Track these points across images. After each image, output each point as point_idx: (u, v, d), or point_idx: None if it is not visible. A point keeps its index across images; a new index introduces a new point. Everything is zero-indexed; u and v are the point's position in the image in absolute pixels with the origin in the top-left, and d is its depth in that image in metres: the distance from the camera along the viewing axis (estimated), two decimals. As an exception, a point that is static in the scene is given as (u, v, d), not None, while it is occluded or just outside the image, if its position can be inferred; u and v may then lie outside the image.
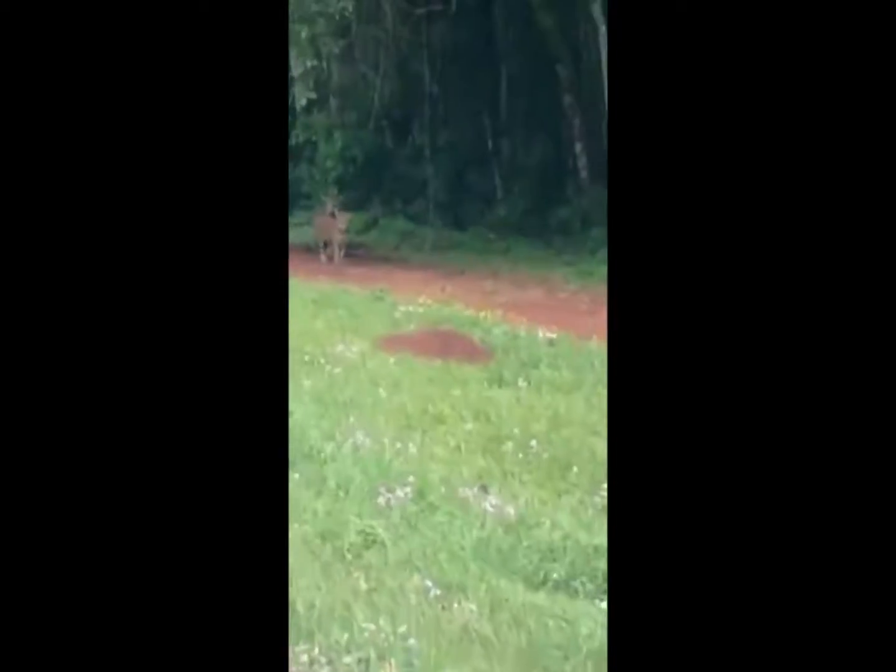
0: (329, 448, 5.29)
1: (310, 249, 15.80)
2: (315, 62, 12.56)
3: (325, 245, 14.20)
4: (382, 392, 6.77)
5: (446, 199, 16.93)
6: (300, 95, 12.95)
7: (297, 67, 12.67)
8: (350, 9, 12.16)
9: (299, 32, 12.35)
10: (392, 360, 7.75)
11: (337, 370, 7.38)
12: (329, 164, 17.90)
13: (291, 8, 12.61)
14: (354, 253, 15.11)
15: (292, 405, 6.18)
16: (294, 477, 4.76)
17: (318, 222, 14.45)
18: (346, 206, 17.96)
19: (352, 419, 5.93)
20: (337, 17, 12.36)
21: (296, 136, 18.52)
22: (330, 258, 14.13)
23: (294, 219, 18.71)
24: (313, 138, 18.33)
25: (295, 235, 17.52)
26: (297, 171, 19.16)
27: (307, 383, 6.87)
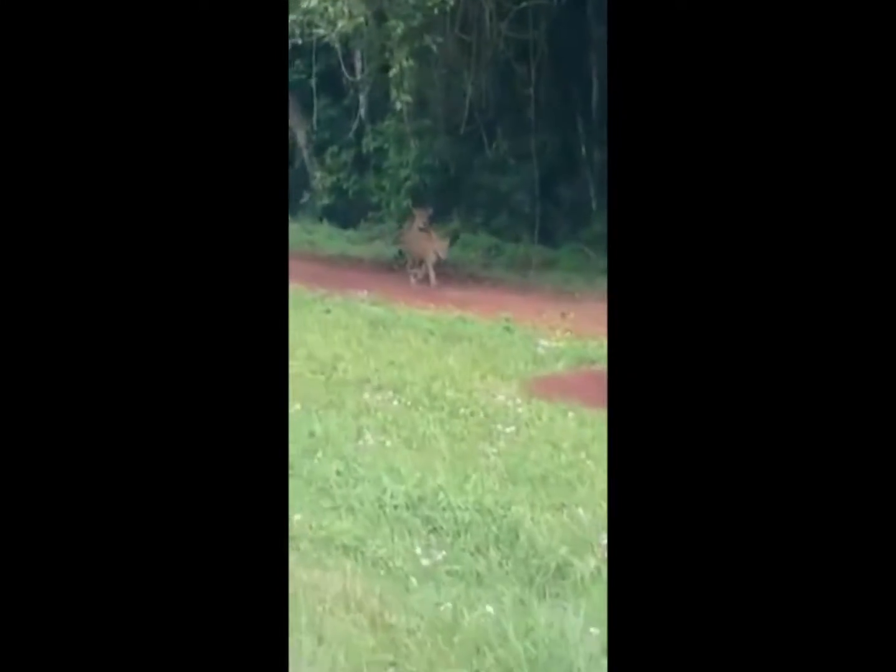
0: (581, 566, 3.96)
1: (385, 266, 14.50)
2: (411, 62, 11.17)
3: (419, 264, 12.71)
4: (585, 464, 5.44)
5: (534, 211, 15.54)
6: (394, 100, 11.54)
7: (392, 67, 11.29)
8: (451, 2, 10.77)
9: (395, 28, 11.00)
10: (570, 414, 6.40)
11: (509, 429, 6.06)
12: (403, 172, 16.60)
13: (387, 2, 11.36)
14: (440, 272, 13.68)
15: (487, 484, 4.90)
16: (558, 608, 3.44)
17: (411, 238, 12.94)
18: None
19: (580, 510, 4.59)
20: (436, 12, 10.99)
21: (366, 144, 17.30)
22: (422, 279, 12.68)
23: (360, 232, 17.46)
24: (385, 146, 17.06)
25: (365, 250, 16.25)
26: (364, 181, 17.91)
27: (490, 451, 5.54)
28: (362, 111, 18.00)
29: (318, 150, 18.51)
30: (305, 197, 18.52)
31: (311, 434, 5.43)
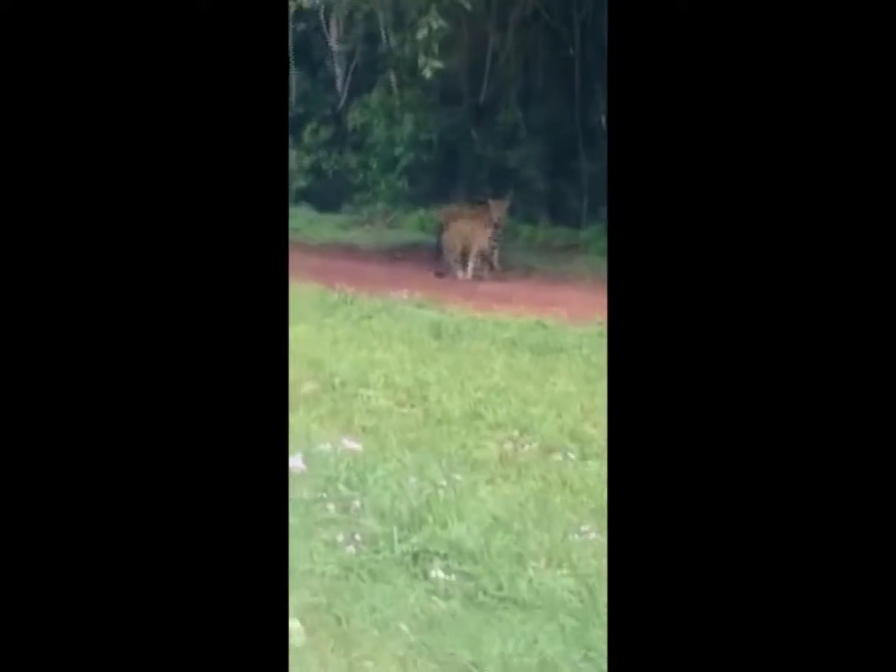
0: None
1: (387, 255, 12.99)
2: (441, 23, 9.60)
3: (461, 257, 11.04)
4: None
5: (545, 189, 14.09)
6: (422, 66, 9.96)
7: (419, 29, 9.71)
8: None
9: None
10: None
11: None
12: (396, 150, 15.05)
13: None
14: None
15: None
16: None
17: (461, 225, 11.06)
18: (414, 201, 15.18)
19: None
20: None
21: (352, 120, 15.71)
22: (470, 271, 10.99)
23: (347, 216, 15.89)
24: (374, 121, 15.49)
25: (359, 237, 14.67)
26: (346, 159, 16.33)
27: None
28: (340, 83, 16.39)
29: (295, 127, 16.83)
30: (279, 179, 16.83)
31: (503, 525, 3.91)
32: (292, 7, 12.72)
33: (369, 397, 6.22)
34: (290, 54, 15.48)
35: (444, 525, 3.83)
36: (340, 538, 3.76)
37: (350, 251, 13.52)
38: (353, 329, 8.16)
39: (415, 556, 3.64)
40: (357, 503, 3.99)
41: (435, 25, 9.59)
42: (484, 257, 10.92)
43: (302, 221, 15.54)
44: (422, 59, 9.83)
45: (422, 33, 9.63)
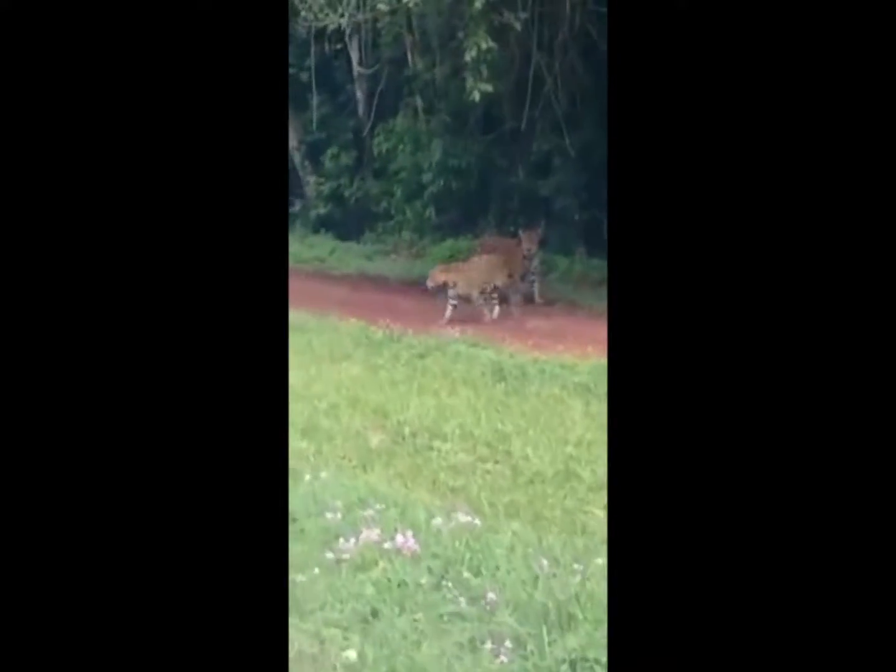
0: None
1: (417, 287, 12.42)
2: (491, 44, 9.10)
3: (491, 293, 10.40)
4: None
5: (581, 219, 13.56)
6: (470, 89, 9.44)
7: (468, 50, 9.20)
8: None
9: (473, 3, 8.92)
10: None
11: None
12: (424, 177, 14.51)
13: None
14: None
15: None
16: None
17: (499, 256, 10.46)
18: (441, 230, 14.66)
19: None
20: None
21: (377, 145, 15.19)
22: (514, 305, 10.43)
23: (371, 246, 15.35)
24: (399, 146, 14.98)
25: (385, 267, 14.12)
26: (368, 186, 15.79)
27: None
28: (363, 107, 15.87)
29: (314, 152, 16.32)
30: (297, 205, 16.31)
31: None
32: (314, 27, 12.26)
33: (447, 451, 5.67)
34: (312, 78, 15.01)
35: (599, 624, 3.25)
36: (481, 642, 3.18)
37: (378, 282, 12.97)
38: (408, 370, 7.60)
39: (572, 665, 3.06)
40: (490, 595, 3.41)
41: (484, 46, 9.08)
42: (521, 290, 10.41)
43: (324, 250, 14.99)
44: (469, 82, 9.31)
45: (470, 55, 9.11)
